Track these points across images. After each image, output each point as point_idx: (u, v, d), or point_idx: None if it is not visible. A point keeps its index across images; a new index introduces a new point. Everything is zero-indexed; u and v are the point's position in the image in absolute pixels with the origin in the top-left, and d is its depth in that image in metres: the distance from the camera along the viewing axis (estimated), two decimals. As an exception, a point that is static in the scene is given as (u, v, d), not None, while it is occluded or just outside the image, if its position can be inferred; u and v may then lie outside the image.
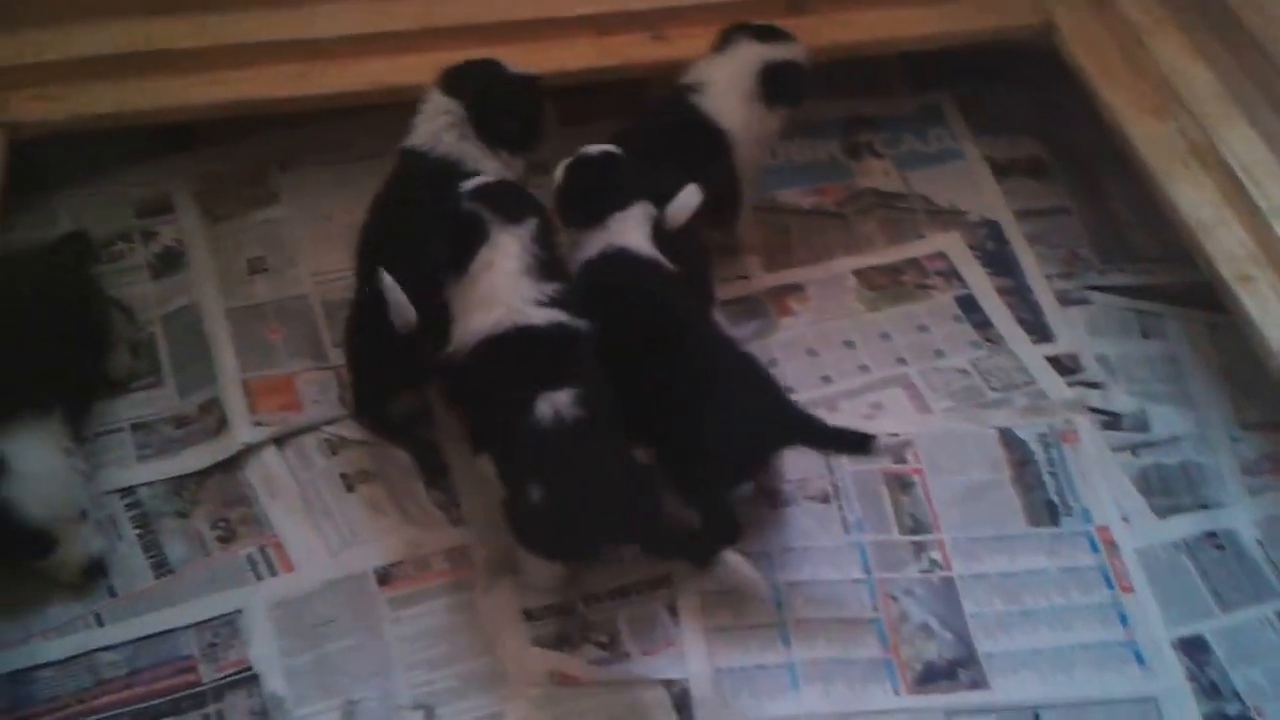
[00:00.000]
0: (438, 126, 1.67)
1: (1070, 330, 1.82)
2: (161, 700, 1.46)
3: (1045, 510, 1.63)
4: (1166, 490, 1.66)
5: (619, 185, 1.59)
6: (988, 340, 1.81)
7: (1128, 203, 1.97)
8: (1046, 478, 1.66)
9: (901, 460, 1.66)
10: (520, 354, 1.47)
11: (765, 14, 1.86)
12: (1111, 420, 1.72)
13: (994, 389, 1.75)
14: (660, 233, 1.59)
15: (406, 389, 1.66)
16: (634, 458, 1.48)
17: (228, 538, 1.60)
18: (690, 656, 1.49)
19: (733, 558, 1.44)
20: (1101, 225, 1.97)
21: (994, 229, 1.95)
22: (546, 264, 1.50)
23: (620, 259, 1.55)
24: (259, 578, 1.56)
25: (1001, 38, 1.99)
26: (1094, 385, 1.75)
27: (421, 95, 1.70)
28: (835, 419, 1.69)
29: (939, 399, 1.74)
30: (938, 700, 1.47)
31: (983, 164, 2.02)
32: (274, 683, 1.47)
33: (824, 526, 1.60)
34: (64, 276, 1.72)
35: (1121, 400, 1.74)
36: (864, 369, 1.77)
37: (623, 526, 1.48)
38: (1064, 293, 1.87)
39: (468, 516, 1.62)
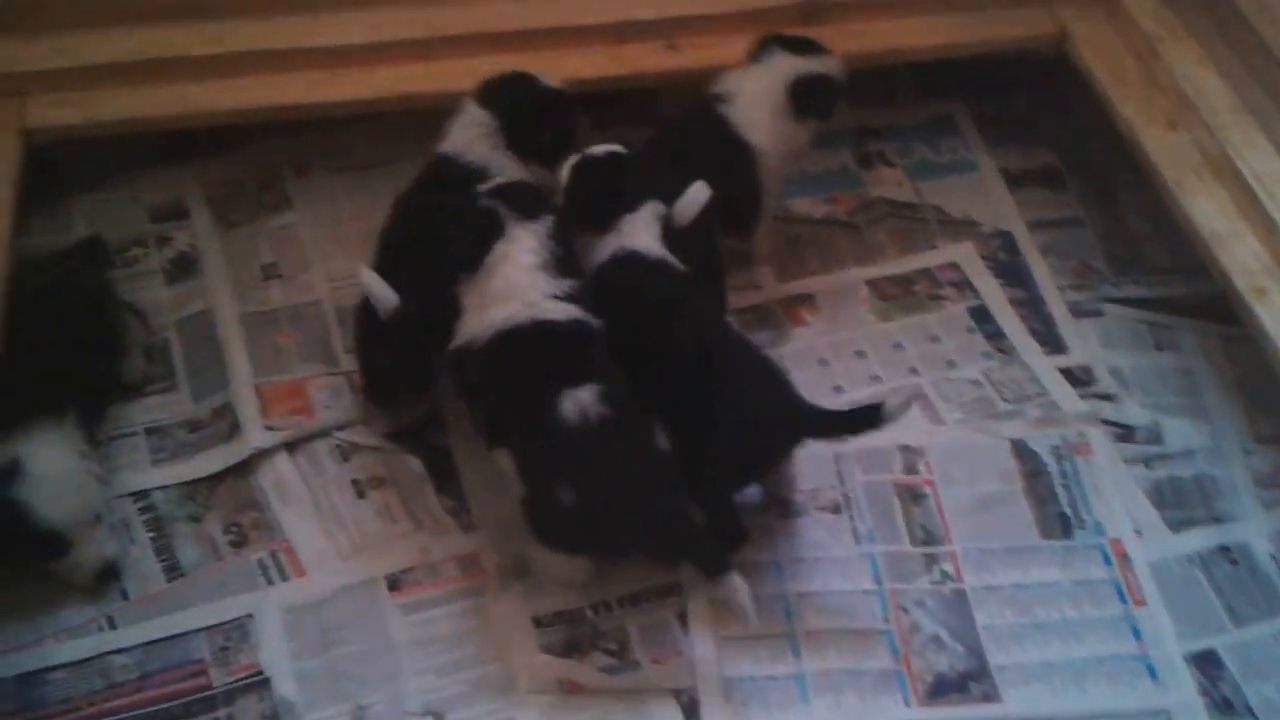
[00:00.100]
0: (470, 136, 1.69)
1: (1083, 342, 1.81)
2: (173, 704, 1.47)
3: (1058, 522, 1.62)
4: (1180, 503, 1.66)
5: (628, 186, 1.59)
6: (1000, 351, 1.80)
7: (1141, 214, 1.97)
8: (1059, 490, 1.65)
9: (913, 471, 1.66)
10: (539, 349, 1.47)
11: (779, 24, 1.86)
12: (1124, 433, 1.71)
13: (1006, 400, 1.75)
14: (677, 240, 1.59)
15: (416, 384, 1.65)
16: (660, 452, 1.46)
17: (239, 542, 1.60)
18: (700, 666, 1.49)
19: (737, 582, 1.43)
20: (1115, 237, 1.97)
21: (1007, 240, 1.94)
22: (563, 260, 1.50)
23: (631, 261, 1.55)
24: (270, 582, 1.56)
25: (1015, 48, 1.99)
26: (1107, 397, 1.75)
27: (457, 103, 1.72)
28: (845, 430, 1.71)
29: (951, 410, 1.73)
30: (949, 713, 1.47)
31: (996, 174, 2.02)
32: (284, 687, 1.47)
33: (835, 537, 1.59)
34: (80, 281, 1.74)
35: (1135, 413, 1.73)
36: (875, 379, 1.77)
37: (650, 524, 1.47)
38: (1077, 304, 1.86)
39: (478, 523, 1.62)
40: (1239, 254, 1.68)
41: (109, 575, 1.55)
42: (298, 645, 1.51)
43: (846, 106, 1.82)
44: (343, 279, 1.84)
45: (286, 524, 1.62)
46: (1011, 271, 1.90)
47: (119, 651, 1.50)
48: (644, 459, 1.45)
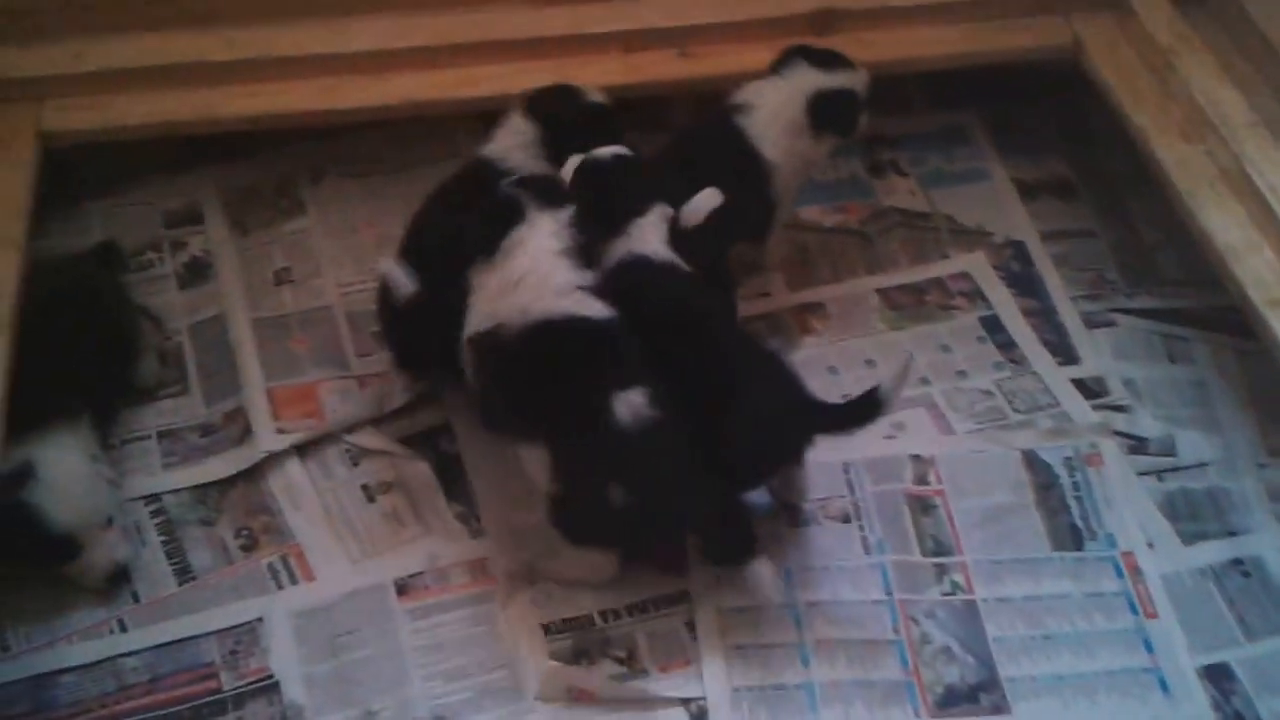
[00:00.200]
0: (511, 143, 1.70)
1: (1096, 353, 1.81)
2: (183, 706, 1.47)
3: (1069, 534, 1.61)
4: (1193, 516, 1.65)
5: (636, 190, 1.59)
6: (1012, 361, 1.80)
7: (1155, 226, 1.96)
8: (1071, 501, 1.64)
9: (924, 481, 1.65)
10: (583, 349, 1.46)
11: (792, 33, 1.86)
12: (1137, 444, 1.71)
13: (1018, 411, 1.74)
14: (685, 242, 1.59)
15: (440, 362, 1.64)
16: (695, 449, 1.46)
17: (250, 546, 1.61)
18: (708, 675, 1.49)
19: (763, 568, 1.44)
20: (1128, 248, 1.96)
21: (1019, 250, 1.94)
22: (584, 250, 1.50)
23: (639, 266, 1.55)
24: (280, 586, 1.57)
25: (1028, 58, 1.99)
26: (1120, 409, 1.74)
27: (497, 109, 1.74)
28: (856, 438, 1.68)
29: (962, 420, 1.73)
30: (959, 724, 1.46)
31: (1009, 184, 2.02)
32: (294, 691, 1.48)
33: (845, 546, 1.59)
34: (94, 285, 1.75)
35: (1147, 424, 1.73)
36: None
37: (696, 516, 1.47)
38: (1090, 315, 1.85)
39: (487, 529, 1.62)
40: (1254, 266, 1.67)
41: (120, 578, 1.55)
42: (307, 649, 1.51)
43: (860, 127, 1.80)
44: (353, 284, 1.85)
45: (297, 528, 1.62)
46: (1024, 281, 1.90)
47: (130, 654, 1.50)
48: (688, 455, 1.45)
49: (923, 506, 1.63)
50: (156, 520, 1.63)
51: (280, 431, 1.69)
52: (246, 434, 1.69)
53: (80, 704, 1.46)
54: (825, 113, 1.73)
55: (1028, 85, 2.09)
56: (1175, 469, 1.69)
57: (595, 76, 1.83)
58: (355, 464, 1.69)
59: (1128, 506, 1.63)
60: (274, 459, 1.67)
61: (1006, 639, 1.52)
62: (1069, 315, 1.85)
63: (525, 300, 1.47)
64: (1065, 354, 1.81)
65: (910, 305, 1.87)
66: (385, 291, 1.66)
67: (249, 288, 1.86)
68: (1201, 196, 1.74)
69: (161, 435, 1.71)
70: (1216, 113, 1.80)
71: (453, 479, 1.67)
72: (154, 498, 1.64)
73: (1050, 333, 1.83)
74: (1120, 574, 1.58)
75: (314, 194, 1.97)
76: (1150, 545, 1.61)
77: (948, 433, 1.71)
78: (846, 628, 1.52)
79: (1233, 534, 1.63)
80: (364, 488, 1.66)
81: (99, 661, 1.50)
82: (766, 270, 1.88)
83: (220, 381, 1.76)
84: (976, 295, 1.88)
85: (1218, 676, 1.51)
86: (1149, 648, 1.52)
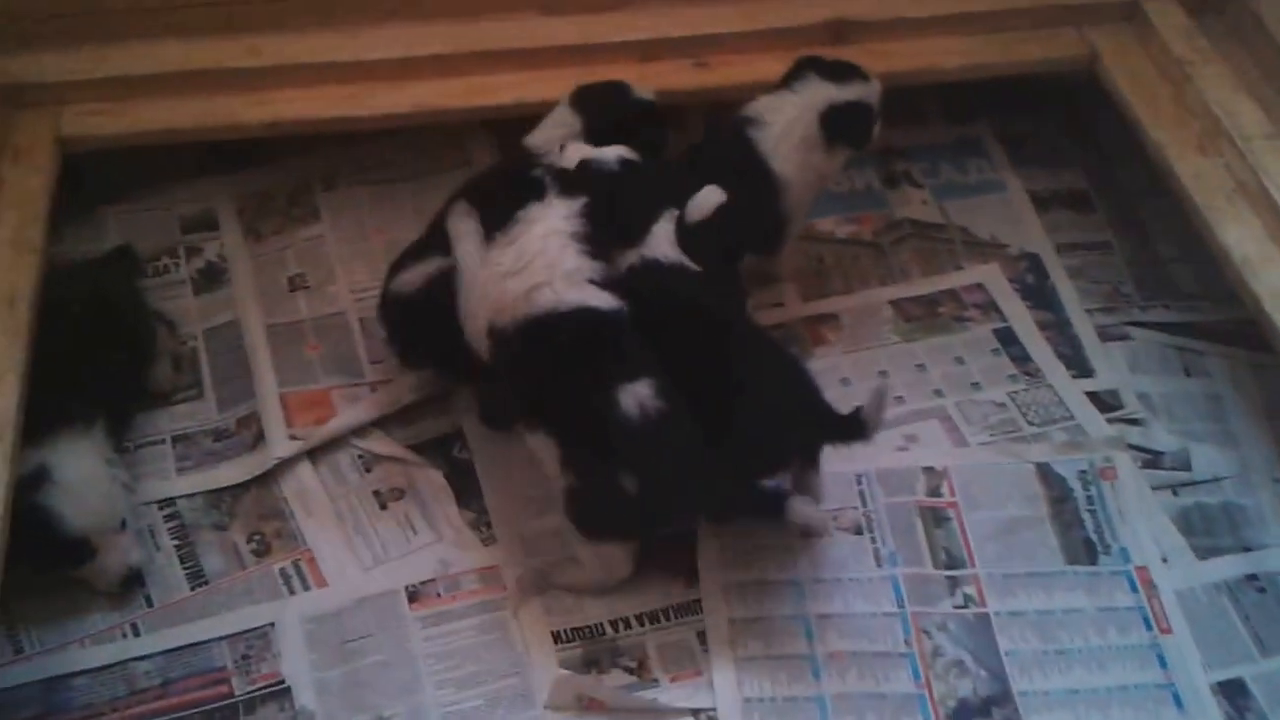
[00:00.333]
0: (554, 135, 1.70)
1: (1111, 366, 1.80)
2: (194, 711, 1.47)
3: (1083, 548, 1.61)
4: (1207, 531, 1.64)
5: (647, 198, 1.59)
6: (1026, 374, 1.79)
7: (1171, 238, 1.96)
8: (1085, 515, 1.64)
9: (936, 493, 1.65)
10: (589, 341, 1.46)
11: (807, 43, 1.87)
12: (1152, 458, 1.70)
13: (1032, 423, 1.74)
14: (692, 243, 1.59)
15: (443, 359, 1.66)
16: (699, 432, 1.47)
17: (262, 551, 1.61)
18: (719, 686, 1.48)
19: (797, 504, 1.46)
20: (1144, 260, 1.95)
21: (1034, 262, 1.93)
22: (596, 240, 1.51)
23: (652, 269, 1.56)
24: (292, 592, 1.57)
25: (1044, 70, 1.98)
26: (1134, 422, 1.73)
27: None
28: (869, 449, 1.68)
29: (975, 432, 1.72)
30: (971, 738, 1.46)
31: (1024, 196, 2.01)
32: (305, 696, 1.48)
33: (857, 558, 1.59)
34: (110, 289, 1.76)
35: (1162, 438, 1.72)
36: (899, 400, 1.76)
37: (709, 500, 1.48)
38: (1105, 328, 1.85)
39: (499, 536, 1.62)
40: (1270, 279, 1.66)
41: (133, 582, 1.56)
42: (318, 655, 1.52)
43: (874, 138, 1.80)
44: (367, 290, 1.85)
45: (309, 534, 1.63)
46: (1038, 294, 1.89)
47: (142, 658, 1.51)
48: (696, 444, 1.45)
49: (935, 519, 1.63)
50: (170, 524, 1.63)
51: (293, 437, 1.70)
52: (260, 439, 1.70)
53: (91, 707, 1.47)
54: (838, 126, 1.72)
55: (1042, 97, 2.09)
56: (1190, 483, 1.68)
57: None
58: (368, 470, 1.69)
59: (1142, 521, 1.63)
60: (287, 464, 1.67)
61: (1019, 653, 1.52)
62: (1084, 328, 1.85)
63: (532, 283, 1.47)
64: (1080, 367, 1.80)
65: (924, 317, 1.86)
66: (387, 289, 1.67)
67: (263, 293, 1.87)
68: (1218, 209, 1.73)
69: (175, 440, 1.71)
70: (1233, 125, 1.79)
71: (464, 486, 1.67)
72: (168, 502, 1.65)
73: (1065, 345, 1.83)
74: (1134, 589, 1.57)
75: (327, 200, 1.98)
76: (1164, 560, 1.60)
77: (961, 445, 1.71)
78: (858, 640, 1.52)
79: (1248, 549, 1.62)
80: (376, 494, 1.67)
81: (111, 665, 1.50)
82: (779, 281, 1.88)
83: (234, 387, 1.76)
84: (990, 307, 1.87)
85: (1232, 692, 1.50)
86: (1163, 663, 1.51)
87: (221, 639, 1.53)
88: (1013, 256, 1.94)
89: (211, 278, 1.90)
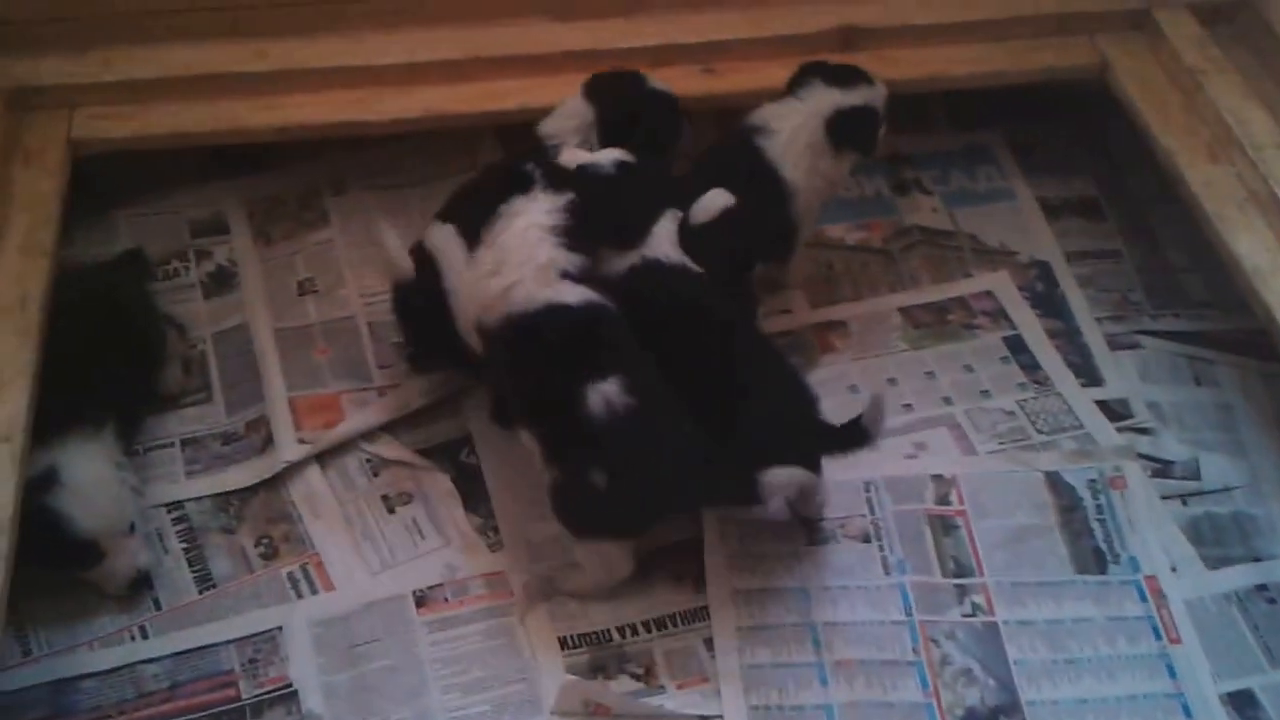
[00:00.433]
0: (566, 125, 1.70)
1: (1120, 375, 1.80)
2: (202, 714, 1.47)
3: (1092, 557, 1.60)
4: (1217, 541, 1.63)
5: (649, 199, 1.59)
6: (1035, 382, 1.79)
7: (1181, 247, 1.95)
8: (1094, 524, 1.63)
9: (945, 501, 1.64)
10: (557, 340, 1.48)
11: (817, 50, 1.86)
12: (1162, 468, 1.69)
13: (1041, 431, 1.73)
14: (697, 245, 1.59)
15: (449, 353, 1.66)
16: (684, 424, 1.48)
17: (270, 555, 1.61)
18: (726, 693, 1.48)
19: (771, 474, 1.45)
20: (1154, 269, 1.95)
21: (1044, 270, 1.93)
22: (576, 233, 1.51)
23: (653, 270, 1.56)
24: (300, 596, 1.57)
25: (1055, 78, 1.98)
26: (1144, 431, 1.73)
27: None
28: (877, 457, 1.68)
29: (984, 440, 1.72)
30: (979, 747, 1.45)
31: (1034, 204, 2.01)
32: (312, 700, 1.48)
33: (865, 566, 1.58)
34: (120, 292, 1.76)
35: (1172, 447, 1.71)
36: (908, 407, 1.76)
37: (682, 499, 1.49)
38: (1114, 336, 1.84)
39: (506, 542, 1.62)
40: (1281, 289, 1.66)
41: (142, 585, 1.56)
42: (326, 659, 1.52)
43: (880, 142, 1.81)
44: (377, 295, 1.85)
45: (317, 537, 1.63)
46: (1048, 302, 1.89)
47: (150, 661, 1.51)
48: (671, 435, 1.46)
49: (944, 527, 1.62)
50: (178, 527, 1.64)
51: (301, 441, 1.70)
52: (268, 443, 1.70)
53: (99, 710, 1.47)
54: (845, 131, 1.73)
55: (1053, 104, 2.08)
56: (1200, 493, 1.68)
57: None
58: (376, 474, 1.69)
59: (1151, 530, 1.62)
60: (295, 468, 1.68)
61: (1028, 662, 1.51)
62: (1093, 336, 1.84)
63: (509, 281, 1.49)
64: (1089, 375, 1.80)
65: (933, 324, 1.86)
66: (398, 281, 1.67)
67: (272, 298, 1.87)
68: (1229, 218, 1.73)
69: (184, 443, 1.72)
70: (1244, 133, 1.79)
71: (472, 491, 1.67)
72: (176, 505, 1.65)
73: (1074, 354, 1.82)
74: (1143, 598, 1.57)
75: (337, 205, 1.98)
76: (1174, 570, 1.59)
77: (970, 453, 1.70)
78: (866, 648, 1.51)
79: (1258, 559, 1.62)
80: (384, 498, 1.67)
81: (119, 668, 1.50)
82: (788, 288, 1.88)
83: (243, 390, 1.77)
84: (1000, 315, 1.87)
85: (1241, 703, 1.49)
86: (1172, 673, 1.51)
87: (229, 642, 1.53)
88: (1022, 264, 1.94)
89: (221, 281, 1.90)
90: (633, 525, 1.51)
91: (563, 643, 1.53)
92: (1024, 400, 1.77)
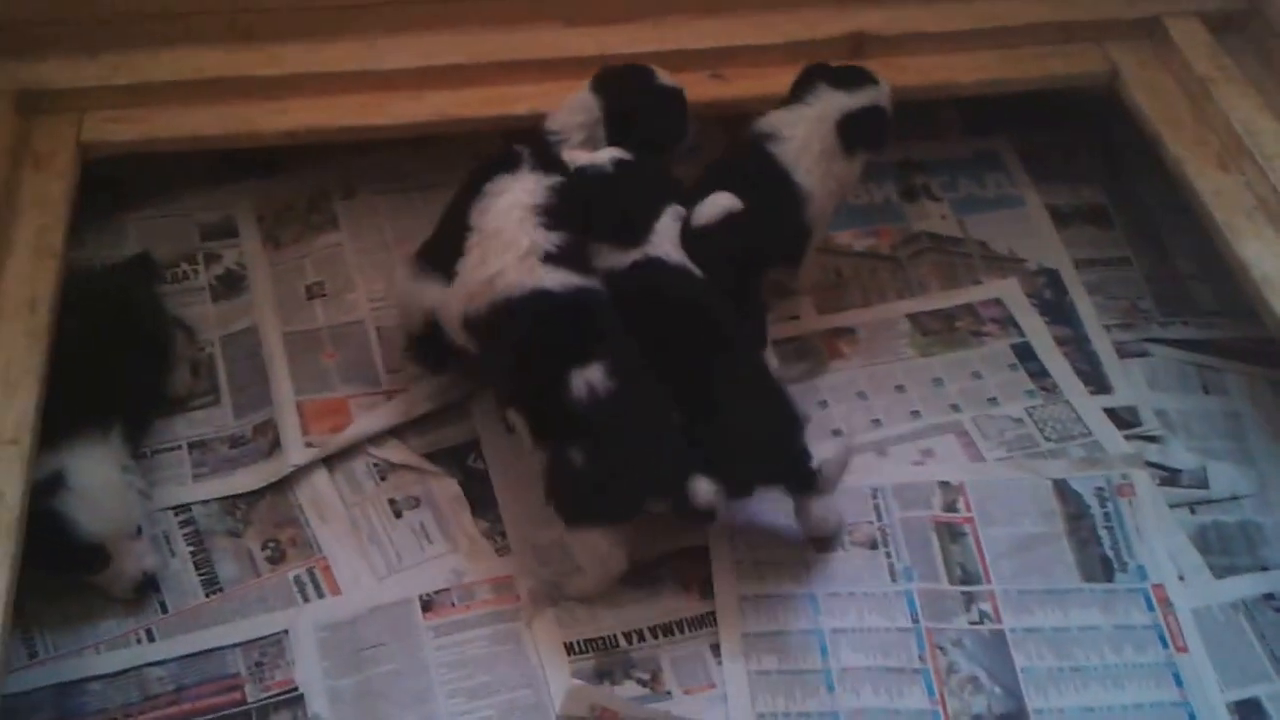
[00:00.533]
0: (572, 119, 1.71)
1: (1129, 383, 1.79)
2: (207, 717, 1.47)
3: (1099, 565, 1.60)
4: (1225, 549, 1.63)
5: (646, 197, 1.59)
6: (1043, 390, 1.78)
7: (1190, 255, 1.95)
8: (1102, 532, 1.63)
9: (952, 508, 1.64)
10: (541, 327, 1.50)
11: (826, 56, 1.86)
12: (1170, 476, 1.69)
13: (1049, 439, 1.73)
14: (699, 247, 1.59)
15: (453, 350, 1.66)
16: (668, 409, 1.49)
17: (277, 558, 1.61)
18: (732, 699, 1.48)
19: (695, 482, 1.45)
20: (1163, 277, 1.94)
21: (1052, 277, 1.93)
22: (558, 212, 1.53)
23: (652, 267, 1.56)
24: (306, 599, 1.57)
25: (1065, 85, 1.98)
26: (1152, 439, 1.73)
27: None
28: (885, 463, 1.69)
29: (992, 447, 1.72)
30: (985, 755, 1.45)
31: (1043, 211, 2.01)
32: (318, 704, 1.48)
33: (872, 573, 1.58)
34: (130, 295, 1.76)
35: (1180, 456, 1.71)
36: (915, 414, 1.76)
37: (664, 482, 1.48)
38: (1123, 344, 1.84)
39: (513, 546, 1.62)
40: (1291, 298, 1.66)
41: (148, 588, 1.56)
42: (331, 663, 1.52)
43: (892, 139, 1.81)
44: (384, 299, 1.85)
45: (324, 541, 1.63)
46: (1056, 309, 1.88)
47: (156, 664, 1.51)
48: (652, 418, 1.48)
49: (951, 534, 1.62)
50: (185, 530, 1.64)
51: (309, 445, 1.70)
52: (276, 447, 1.70)
53: (105, 713, 1.47)
54: (856, 133, 1.74)
55: (1063, 112, 2.08)
56: (1208, 501, 1.67)
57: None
58: (383, 479, 1.69)
59: (1159, 538, 1.62)
60: (302, 471, 1.68)
61: (1034, 670, 1.51)
62: (1102, 344, 1.84)
63: (493, 269, 1.51)
64: (1098, 383, 1.79)
65: (941, 331, 1.86)
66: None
67: (281, 301, 1.87)
68: (1238, 226, 1.73)
69: (192, 446, 1.72)
70: (1254, 142, 1.79)
71: (479, 495, 1.67)
72: (183, 508, 1.65)
73: (1083, 361, 1.82)
74: (1151, 607, 1.56)
75: (346, 209, 1.98)
76: (1181, 578, 1.59)
77: (978, 460, 1.70)
78: (872, 655, 1.51)
79: (1265, 568, 1.61)
80: (391, 502, 1.67)
81: (125, 671, 1.50)
82: (797, 294, 1.88)
83: (251, 394, 1.77)
84: (1008, 322, 1.87)
85: (1248, 712, 1.49)
86: (1179, 682, 1.51)
87: (235, 646, 1.53)
88: (1031, 271, 1.93)
89: (230, 285, 1.90)
90: (617, 509, 1.51)
91: (569, 648, 1.53)
92: (1032, 408, 1.76)
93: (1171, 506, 1.66)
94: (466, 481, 1.68)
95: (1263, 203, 1.75)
